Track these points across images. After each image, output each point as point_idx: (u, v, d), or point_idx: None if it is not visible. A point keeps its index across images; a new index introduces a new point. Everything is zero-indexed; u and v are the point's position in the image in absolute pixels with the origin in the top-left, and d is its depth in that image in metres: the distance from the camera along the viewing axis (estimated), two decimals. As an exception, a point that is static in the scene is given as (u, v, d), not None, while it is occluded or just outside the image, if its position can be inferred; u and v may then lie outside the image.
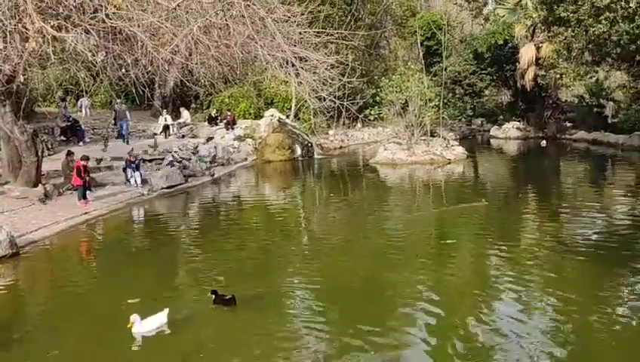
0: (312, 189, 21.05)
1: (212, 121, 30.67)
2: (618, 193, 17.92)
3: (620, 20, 20.54)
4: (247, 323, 8.26)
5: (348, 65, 17.29)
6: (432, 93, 26.33)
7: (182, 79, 17.15)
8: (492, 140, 35.33)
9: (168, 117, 29.66)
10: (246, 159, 25.92)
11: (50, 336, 8.03)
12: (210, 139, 26.92)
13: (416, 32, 34.92)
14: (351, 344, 7.43)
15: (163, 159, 22.17)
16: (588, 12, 21.40)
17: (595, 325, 7.83)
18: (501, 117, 38.84)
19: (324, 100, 15.66)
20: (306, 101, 20.10)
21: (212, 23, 12.87)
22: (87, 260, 12.38)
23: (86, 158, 16.23)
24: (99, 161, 20.98)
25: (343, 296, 9.38)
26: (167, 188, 18.55)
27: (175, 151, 22.74)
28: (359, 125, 34.86)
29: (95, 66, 13.63)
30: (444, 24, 32.90)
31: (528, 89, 34.06)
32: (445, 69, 32.69)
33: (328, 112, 29.06)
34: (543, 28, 29.31)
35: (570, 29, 23.33)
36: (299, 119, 30.30)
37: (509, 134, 35.41)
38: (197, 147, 24.33)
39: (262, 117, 29.61)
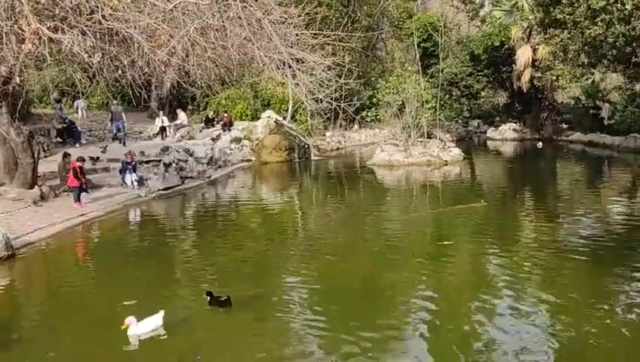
0: (309, 191, 21.04)
1: (209, 122, 30.65)
2: (614, 194, 17.96)
3: (616, 22, 20.60)
4: (243, 325, 8.25)
5: (345, 66, 17.29)
6: (429, 95, 26.36)
7: (178, 81, 17.12)
8: (488, 142, 35.39)
9: (165, 118, 29.62)
10: (243, 161, 25.90)
11: (46, 338, 8.01)
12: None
13: (412, 33, 34.98)
14: (348, 345, 7.42)
15: (160, 161, 22.12)
16: (584, 14, 21.46)
17: (593, 325, 7.84)
18: (497, 118, 38.91)
19: (321, 102, 15.68)
20: (302, 102, 20.10)
21: (209, 25, 12.87)
22: (84, 262, 12.35)
23: (82, 160, 16.20)
24: (95, 160, 20.93)
25: (340, 296, 9.38)
26: (164, 189, 18.53)
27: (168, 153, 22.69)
28: (356, 127, 34.86)
29: (91, 68, 13.61)
30: (440, 26, 32.94)
31: (524, 91, 34.13)
32: (442, 71, 32.74)
33: (325, 114, 29.06)
34: (539, 30, 29.36)
35: (566, 30, 23.39)
36: (296, 121, 30.29)
37: (505, 136, 35.47)
38: (190, 151, 24.21)
39: (259, 118, 29.61)
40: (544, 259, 10.86)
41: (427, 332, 7.87)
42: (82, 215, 14.86)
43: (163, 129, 29.04)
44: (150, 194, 17.88)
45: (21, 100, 17.16)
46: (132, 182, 18.36)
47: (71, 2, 12.16)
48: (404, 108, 25.26)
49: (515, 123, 36.21)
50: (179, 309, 8.67)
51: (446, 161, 24.64)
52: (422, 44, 36.50)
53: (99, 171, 20.41)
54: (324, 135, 32.44)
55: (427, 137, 25.89)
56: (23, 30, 12.05)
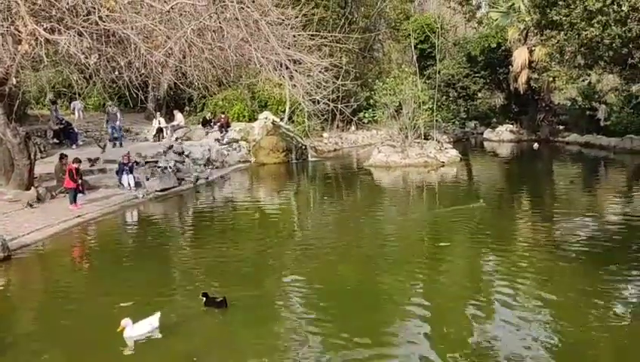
0: (306, 192, 21.03)
1: (206, 123, 30.63)
2: (610, 195, 18.00)
3: (613, 24, 20.65)
4: (240, 326, 8.25)
5: (342, 68, 17.29)
6: (426, 96, 26.39)
7: (175, 82, 17.10)
8: (485, 143, 35.45)
9: (162, 120, 29.57)
10: (240, 162, 25.88)
11: (41, 340, 7.98)
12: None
13: (409, 35, 34.99)
14: (346, 346, 7.42)
15: (157, 162, 22.10)
16: (580, 15, 21.50)
17: (591, 325, 7.87)
18: (494, 120, 38.98)
19: (318, 103, 15.69)
20: (300, 104, 20.12)
21: (206, 26, 12.87)
22: (80, 263, 12.32)
23: (78, 161, 16.14)
24: (94, 161, 20.89)
25: (337, 298, 9.37)
26: (161, 191, 18.50)
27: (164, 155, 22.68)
28: (353, 128, 34.88)
29: (88, 69, 13.60)
30: (437, 27, 32.96)
31: (521, 92, 34.20)
32: (439, 72, 32.74)
33: (322, 115, 29.04)
34: (535, 31, 29.42)
35: (562, 32, 23.43)
36: (293, 122, 30.28)
37: (502, 137, 35.53)
38: (184, 153, 24.19)
39: (256, 120, 29.60)
40: (541, 259, 10.88)
41: (424, 333, 7.87)
42: (79, 216, 14.82)
43: (160, 130, 29.00)
44: (147, 196, 17.85)
45: (17, 101, 17.13)
46: (129, 184, 18.33)
47: (67, 3, 12.15)
48: (401, 109, 25.29)
49: (512, 124, 36.28)
50: (175, 311, 8.65)
51: (443, 162, 24.66)
52: (419, 46, 36.52)
53: (95, 172, 20.37)
54: (322, 136, 32.43)
55: (424, 138, 25.93)
56: (19, 31, 12.04)
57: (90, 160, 20.80)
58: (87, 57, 12.21)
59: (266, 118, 28.29)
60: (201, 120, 31.61)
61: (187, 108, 34.39)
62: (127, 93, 15.13)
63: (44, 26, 12.01)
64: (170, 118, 31.42)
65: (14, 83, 14.25)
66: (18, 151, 16.05)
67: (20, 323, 8.92)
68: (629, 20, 20.29)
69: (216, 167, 23.90)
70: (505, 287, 9.47)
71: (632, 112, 29.63)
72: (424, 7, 45.43)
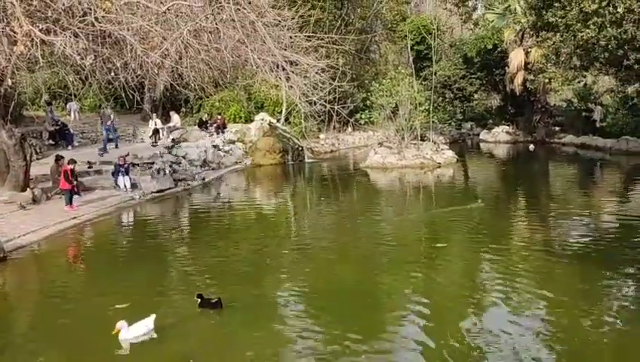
0: (302, 193, 21.03)
1: (202, 125, 30.59)
2: (606, 196, 18.06)
3: (608, 25, 20.71)
4: (235, 328, 8.24)
5: (338, 69, 17.30)
6: (422, 98, 26.42)
7: (172, 83, 17.05)
8: (482, 144, 35.52)
9: (158, 121, 29.52)
10: (236, 163, 25.85)
11: (37, 342, 7.95)
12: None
13: (406, 36, 35.05)
14: (342, 348, 7.41)
15: (153, 163, 22.06)
16: (576, 17, 21.56)
17: (586, 326, 7.88)
18: (490, 121, 39.08)
19: (315, 104, 15.66)
20: (296, 105, 20.12)
21: (202, 27, 12.85)
22: (76, 265, 12.27)
23: (73, 162, 16.06)
24: (91, 164, 20.88)
25: (334, 299, 9.36)
26: (157, 192, 18.46)
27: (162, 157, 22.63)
28: (350, 129, 34.89)
29: (84, 70, 13.57)
30: (433, 29, 33.04)
31: (517, 93, 34.28)
32: (435, 74, 32.83)
33: (319, 116, 29.08)
34: (531, 33, 29.47)
35: (558, 33, 23.49)
36: (289, 123, 30.27)
37: (498, 138, 35.61)
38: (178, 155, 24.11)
39: (252, 121, 29.58)
40: (538, 260, 10.90)
41: (421, 334, 7.86)
42: (75, 218, 14.77)
43: (156, 131, 28.95)
44: (143, 197, 17.81)
45: (13, 102, 17.08)
46: (125, 185, 18.28)
47: (63, 4, 12.12)
48: (398, 110, 25.32)
49: (508, 125, 36.37)
50: (171, 312, 8.63)
51: (439, 163, 24.70)
52: (415, 47, 36.60)
53: (91, 174, 20.33)
54: (318, 137, 32.44)
55: (420, 140, 25.96)
56: (15, 32, 12.00)
57: (89, 163, 20.82)
58: (83, 58, 12.17)
59: (263, 120, 28.28)
60: (197, 121, 31.57)
61: (183, 109, 34.33)
62: (124, 95, 15.14)
63: (40, 27, 11.97)
64: (166, 119, 31.37)
65: (10, 84, 14.18)
66: (14, 153, 16.00)
67: (16, 324, 8.89)
68: (624, 22, 20.35)
69: (213, 169, 23.88)
70: (502, 287, 9.48)
71: (627, 114, 29.74)
72: (420, 8, 45.53)
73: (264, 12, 13.89)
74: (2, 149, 16.25)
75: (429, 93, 27.97)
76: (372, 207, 17.46)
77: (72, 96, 25.98)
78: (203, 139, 28.13)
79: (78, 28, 12.27)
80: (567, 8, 21.98)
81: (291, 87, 14.40)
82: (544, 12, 23.93)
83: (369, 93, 28.58)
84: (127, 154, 19.44)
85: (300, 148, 27.73)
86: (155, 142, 27.67)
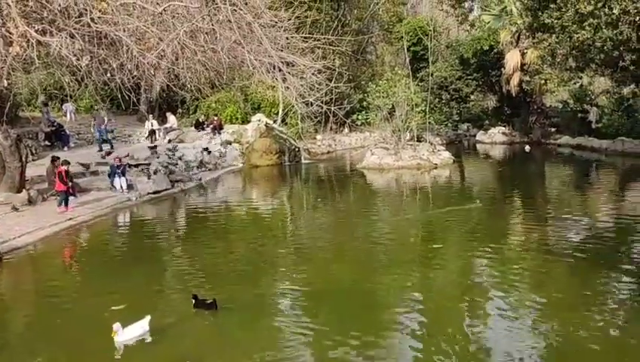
0: (299, 194, 21.02)
1: (199, 126, 30.58)
2: (602, 197, 18.10)
3: (604, 27, 20.78)
4: (232, 329, 8.22)
5: (335, 70, 17.31)
6: (419, 99, 26.47)
7: (168, 84, 17.03)
8: (478, 145, 35.58)
9: (154, 122, 29.51)
10: (233, 164, 25.83)
11: (32, 344, 7.92)
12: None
13: (402, 37, 35.10)
14: (339, 349, 7.40)
15: (149, 164, 22.03)
16: (572, 18, 21.62)
17: (583, 326, 7.89)
18: (487, 122, 39.15)
19: (312, 105, 15.67)
20: (293, 106, 20.10)
21: (198, 28, 12.82)
22: (72, 266, 12.23)
23: (67, 163, 15.98)
24: (87, 166, 20.85)
25: (330, 299, 9.35)
26: (154, 193, 18.43)
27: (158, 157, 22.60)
28: (346, 130, 34.92)
29: (80, 71, 13.53)
30: (430, 30, 33.08)
31: (513, 94, 34.38)
32: (432, 75, 32.86)
33: (316, 117, 29.05)
34: (527, 34, 29.57)
35: (554, 35, 23.56)
36: (286, 124, 30.28)
37: (494, 139, 35.67)
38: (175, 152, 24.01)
39: (249, 122, 29.58)
40: (534, 260, 10.93)
41: (418, 335, 7.87)
42: (70, 219, 14.74)
43: (152, 132, 28.92)
44: (140, 198, 17.78)
45: (9, 103, 17.04)
46: (121, 186, 18.24)
47: (59, 5, 12.08)
48: (394, 111, 25.35)
49: (504, 126, 36.43)
50: (168, 313, 8.61)
51: (436, 164, 24.73)
52: (412, 48, 36.66)
53: (87, 175, 20.29)
54: (315, 138, 32.45)
55: (417, 140, 26.00)
56: (10, 33, 11.95)
57: (84, 165, 20.76)
58: (78, 59, 12.13)
59: (259, 120, 28.28)
60: (194, 122, 31.55)
61: (180, 110, 34.33)
62: (120, 96, 15.07)
63: (36, 28, 11.93)
64: (162, 120, 31.36)
65: (5, 85, 14.13)
66: (9, 154, 15.95)
67: (11, 326, 8.85)
68: (620, 23, 20.42)
69: (210, 170, 23.86)
70: (499, 287, 9.50)
71: (623, 115, 29.83)
72: (417, 9, 45.60)
73: (260, 13, 13.88)
74: (-2, 150, 16.20)
75: (425, 94, 28.02)
76: (369, 208, 17.47)
77: (68, 97, 25.92)
78: (199, 140, 28.12)
79: (74, 29, 12.23)
80: (563, 10, 22.05)
81: (288, 88, 14.40)
82: (540, 13, 24.00)
83: (365, 94, 28.63)
84: (127, 155, 19.38)
85: (297, 149, 27.73)
86: (154, 146, 27.62)
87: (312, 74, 14.27)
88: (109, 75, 13.75)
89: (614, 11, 19.99)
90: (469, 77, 37.14)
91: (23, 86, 25.98)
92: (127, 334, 7.69)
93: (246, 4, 13.48)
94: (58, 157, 17.45)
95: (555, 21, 22.65)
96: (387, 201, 18.96)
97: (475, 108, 41.19)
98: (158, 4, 12.52)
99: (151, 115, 30.23)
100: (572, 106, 33.54)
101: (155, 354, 7.58)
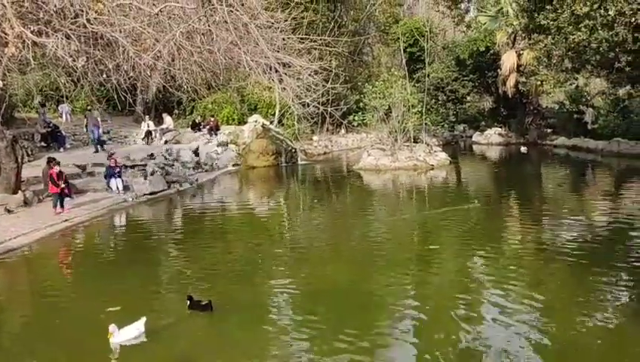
0: (296, 195, 21.01)
1: (195, 127, 30.55)
2: (598, 197, 18.14)
3: (600, 28, 20.85)
4: (227, 329, 8.21)
5: (331, 71, 17.29)
6: (415, 100, 26.51)
7: (164, 85, 17.01)
8: (474, 146, 35.64)
9: (151, 123, 29.47)
10: (230, 165, 25.81)
11: (28, 345, 7.88)
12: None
13: (399, 38, 35.14)
14: (335, 350, 7.40)
15: (146, 165, 21.99)
16: (568, 20, 21.70)
17: (579, 327, 7.90)
18: (483, 123, 39.23)
19: (308, 106, 15.65)
20: (289, 107, 20.11)
21: (195, 29, 12.80)
22: (67, 267, 12.20)
23: (56, 163, 15.81)
24: (83, 168, 20.81)
25: (326, 301, 9.34)
26: (150, 194, 18.40)
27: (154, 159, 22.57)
28: (343, 131, 34.95)
29: (76, 72, 13.50)
30: (426, 31, 33.15)
31: (510, 95, 34.46)
32: (428, 76, 32.93)
33: (312, 118, 29.11)
34: (523, 35, 29.67)
35: (550, 36, 23.64)
36: (283, 125, 30.28)
37: (491, 140, 35.75)
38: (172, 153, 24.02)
39: (245, 123, 29.57)
40: (531, 260, 10.95)
41: (415, 335, 7.87)
42: (66, 220, 14.70)
43: (149, 133, 28.88)
44: (136, 199, 17.74)
45: (4, 104, 17.00)
46: (117, 187, 18.21)
47: (55, 6, 12.04)
48: (391, 112, 25.37)
49: (501, 127, 36.53)
50: (164, 314, 8.60)
51: (432, 165, 24.76)
52: (408, 49, 36.69)
53: (83, 176, 20.24)
54: (311, 139, 32.47)
55: (413, 141, 26.02)
56: (6, 34, 11.91)
57: (80, 166, 20.75)
58: (74, 60, 12.09)
59: (256, 121, 28.28)
60: (190, 123, 31.52)
61: (176, 111, 34.30)
62: (116, 96, 15.03)
63: (32, 29, 11.90)
64: (159, 121, 31.31)
65: (1, 86, 14.08)
66: (5, 155, 15.89)
67: (6, 328, 8.81)
68: (615, 24, 20.50)
69: (206, 171, 23.84)
70: (497, 288, 9.50)
71: (618, 116, 29.93)
72: (413, 10, 45.68)
73: (257, 14, 13.87)
74: (-7, 151, 16.14)
75: (421, 95, 28.07)
76: (365, 209, 17.47)
77: (64, 98, 25.86)
78: (196, 141, 28.10)
79: (70, 29, 12.21)
80: (559, 11, 22.13)
81: (284, 89, 14.38)
82: (536, 15, 24.08)
83: (362, 95, 28.63)
84: (113, 154, 19.33)
85: (294, 150, 27.74)
86: (148, 145, 27.59)
87: (309, 75, 14.27)
88: (105, 75, 13.73)
89: (610, 13, 20.07)
90: (465, 78, 37.21)
91: (19, 87, 25.89)
92: (123, 335, 7.67)
93: (242, 5, 13.46)
94: (54, 159, 17.39)
95: (551, 22, 22.73)
96: (384, 202, 18.97)
97: (471, 110, 41.27)
98: (154, 5, 12.51)
99: (147, 116, 30.18)
100: (568, 107, 33.64)
101: (150, 355, 7.56)
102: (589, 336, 7.67)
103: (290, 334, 7.96)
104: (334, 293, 9.60)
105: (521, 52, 32.20)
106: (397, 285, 9.94)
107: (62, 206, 15.37)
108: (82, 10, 12.12)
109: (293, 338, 7.84)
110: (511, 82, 33.36)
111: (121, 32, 12.09)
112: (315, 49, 17.18)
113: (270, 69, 13.66)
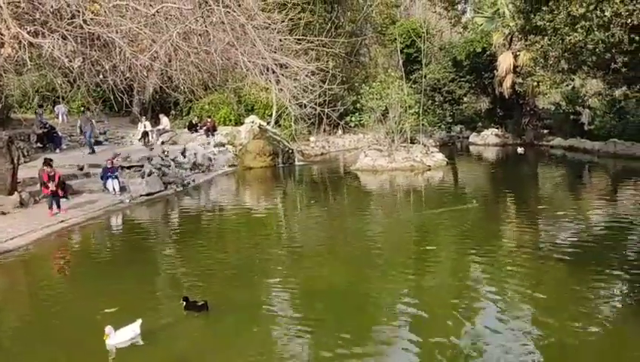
0: (292, 196, 21.00)
1: (192, 127, 30.51)
2: (594, 198, 18.19)
3: (596, 29, 20.87)
4: (224, 330, 8.21)
5: (328, 72, 17.32)
6: (412, 101, 26.52)
7: (161, 86, 16.97)
8: (471, 147, 35.70)
9: (147, 123, 29.41)
10: (226, 166, 25.79)
11: (24, 347, 7.87)
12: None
13: (396, 39, 35.18)
14: (332, 351, 7.39)
15: (142, 166, 21.95)
16: (564, 21, 21.71)
17: (577, 326, 7.92)
18: (480, 124, 39.31)
19: (305, 107, 15.66)
20: (286, 108, 20.08)
21: (192, 30, 12.79)
22: (64, 269, 12.17)
23: (48, 164, 15.64)
24: (81, 168, 20.78)
25: (323, 301, 9.34)
26: (147, 195, 18.37)
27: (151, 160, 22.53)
28: (340, 132, 34.96)
29: (72, 72, 13.45)
30: (423, 32, 33.18)
31: (506, 96, 34.52)
32: (425, 77, 32.93)
33: (309, 119, 29.09)
34: (520, 36, 29.63)
35: (546, 37, 23.64)
36: (280, 126, 30.27)
37: (487, 141, 35.80)
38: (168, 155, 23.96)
39: (242, 124, 29.54)
40: (528, 261, 10.96)
41: (412, 336, 7.87)
42: (62, 221, 14.66)
43: (145, 134, 28.83)
44: (133, 200, 17.71)
45: (0, 105, 16.92)
46: (114, 188, 18.17)
47: (51, 6, 12.01)
48: (388, 113, 25.40)
49: (497, 128, 36.60)
50: (160, 315, 8.58)
51: (429, 166, 24.78)
52: (405, 50, 36.76)
53: (80, 177, 20.19)
54: (308, 140, 32.47)
55: (410, 142, 26.05)
56: (2, 34, 11.87)
57: (79, 168, 20.74)
58: (71, 61, 12.05)
59: (253, 122, 28.28)
60: (187, 124, 31.48)
61: (173, 112, 34.25)
62: (112, 97, 15.01)
63: (28, 29, 11.85)
64: (155, 121, 31.26)
65: (-3, 87, 14.08)
66: (1, 156, 15.85)
67: (3, 329, 8.78)
68: (612, 25, 20.51)
69: (203, 172, 23.81)
70: (494, 288, 9.53)
71: (615, 117, 30.01)
72: (410, 12, 45.71)
73: (254, 15, 13.86)
74: (-11, 152, 16.09)
75: (418, 96, 28.08)
76: (362, 210, 17.47)
77: (60, 99, 25.80)
78: (192, 142, 28.07)
79: (67, 30, 12.17)
80: (555, 12, 22.14)
81: (281, 89, 14.38)
82: (532, 16, 24.09)
83: (359, 96, 28.65)
84: (119, 154, 19.30)
85: (291, 151, 27.72)
86: (147, 144, 27.53)
87: (306, 76, 14.27)
88: (101, 76, 13.68)
89: (606, 14, 20.08)
90: (461, 79, 37.26)
91: (15, 88, 25.84)
92: (119, 337, 7.66)
93: (239, 5, 13.45)
94: (51, 160, 17.33)
95: (548, 23, 22.74)
96: (381, 203, 18.98)
97: (468, 110, 41.36)
98: (150, 5, 12.48)
99: (144, 117, 30.14)
100: (564, 108, 33.71)
101: (147, 355, 7.55)
102: (587, 336, 7.69)
103: (287, 335, 7.96)
104: (331, 294, 9.60)
105: (518, 53, 32.25)
106: (394, 286, 9.94)
107: (58, 206, 15.32)
108: (79, 11, 12.08)
109: (289, 338, 7.84)
110: (507, 83, 33.42)
111: (117, 32, 12.07)
112: (312, 50, 17.19)
113: (267, 70, 13.65)
